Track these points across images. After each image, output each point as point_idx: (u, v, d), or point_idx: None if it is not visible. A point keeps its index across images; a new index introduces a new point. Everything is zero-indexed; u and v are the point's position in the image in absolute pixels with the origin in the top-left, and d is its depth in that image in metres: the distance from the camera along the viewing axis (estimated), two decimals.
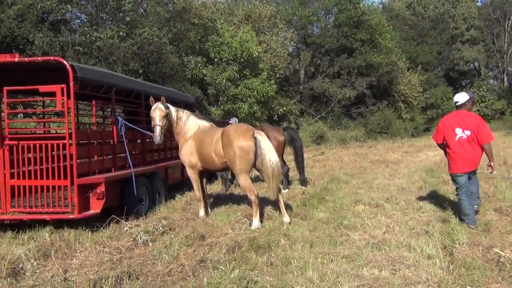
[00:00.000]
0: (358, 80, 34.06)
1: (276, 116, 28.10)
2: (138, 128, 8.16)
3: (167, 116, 7.41)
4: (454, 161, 6.87)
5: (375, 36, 34.87)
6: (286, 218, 7.03)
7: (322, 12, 36.20)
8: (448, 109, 47.47)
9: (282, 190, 8.04)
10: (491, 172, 7.05)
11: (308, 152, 21.86)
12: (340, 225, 6.85)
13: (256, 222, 6.83)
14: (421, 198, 8.85)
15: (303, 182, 10.87)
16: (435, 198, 8.80)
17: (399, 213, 7.64)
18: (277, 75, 27.80)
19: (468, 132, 6.72)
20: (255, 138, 6.83)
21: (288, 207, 7.70)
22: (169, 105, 7.62)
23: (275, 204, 7.84)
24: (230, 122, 10.63)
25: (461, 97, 7.07)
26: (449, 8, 55.97)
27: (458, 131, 6.78)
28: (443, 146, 7.10)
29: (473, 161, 6.82)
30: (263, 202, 7.97)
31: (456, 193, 7.07)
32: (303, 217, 7.52)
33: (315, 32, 36.23)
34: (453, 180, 7.06)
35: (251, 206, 7.10)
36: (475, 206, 7.03)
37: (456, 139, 6.79)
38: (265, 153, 6.79)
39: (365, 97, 35.63)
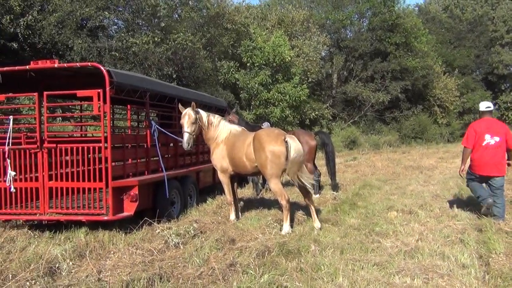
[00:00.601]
0: (392, 84, 33.55)
1: (308, 120, 27.99)
2: (169, 133, 8.26)
3: (197, 122, 7.50)
4: (480, 163, 7.31)
5: (410, 40, 34.30)
6: (317, 224, 6.99)
7: (356, 16, 35.89)
8: None
9: (313, 196, 7.99)
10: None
11: (340, 157, 21.66)
12: (372, 232, 6.75)
13: (286, 227, 6.82)
14: (456, 206, 8.60)
15: (335, 187, 10.79)
16: (471, 205, 8.55)
17: (433, 220, 7.46)
18: (310, 80, 27.70)
19: (497, 138, 7.15)
20: (286, 142, 6.83)
21: (319, 212, 7.66)
22: (200, 110, 7.71)
23: (306, 209, 7.81)
24: (262, 126, 10.67)
25: (489, 104, 7.48)
26: (488, 10, 54.38)
27: (487, 137, 7.20)
28: (468, 151, 7.46)
29: (496, 166, 7.22)
30: (293, 207, 7.95)
31: (466, 184, 7.78)
32: (334, 223, 7.45)
33: (348, 36, 35.95)
34: (492, 181, 7.34)
35: (282, 211, 7.09)
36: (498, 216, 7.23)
37: (484, 144, 7.23)
38: (291, 154, 6.76)
39: (399, 101, 35.05)
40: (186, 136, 7.43)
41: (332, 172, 10.73)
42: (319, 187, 10.58)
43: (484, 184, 7.55)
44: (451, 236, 6.36)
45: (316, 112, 28.63)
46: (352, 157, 21.70)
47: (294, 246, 5.92)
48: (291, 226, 7.03)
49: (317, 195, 9.95)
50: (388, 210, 8.42)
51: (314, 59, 28.14)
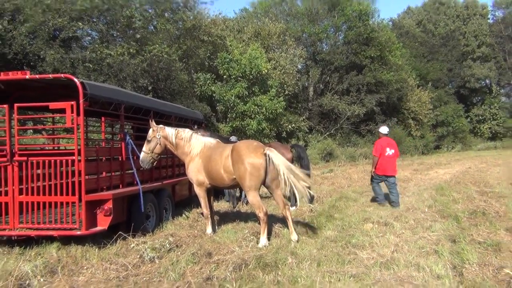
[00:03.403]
0: (368, 97, 34.01)
1: (284, 133, 28.08)
2: (135, 149, 8.11)
3: (157, 139, 7.56)
4: (386, 168, 10.57)
5: (384, 53, 34.93)
6: (294, 236, 6.97)
7: (332, 29, 36.37)
8: (458, 126, 47.34)
9: (290, 208, 7.99)
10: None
11: (317, 169, 21.79)
12: (348, 244, 6.77)
13: (264, 240, 6.78)
14: (430, 217, 8.73)
15: (310, 200, 10.79)
16: (445, 217, 8.69)
17: (408, 232, 7.54)
18: (286, 92, 27.86)
19: (393, 150, 10.65)
20: (266, 155, 6.82)
21: (297, 224, 7.63)
22: (165, 127, 7.68)
23: (283, 222, 7.80)
24: (230, 139, 10.70)
25: (387, 129, 11.12)
26: (459, 25, 56.06)
27: (388, 149, 10.58)
28: (377, 158, 10.66)
29: (392, 168, 10.68)
30: (271, 219, 7.92)
31: (390, 188, 10.61)
32: (310, 235, 7.46)
33: (324, 49, 36.37)
34: (387, 181, 10.66)
35: (259, 224, 7.05)
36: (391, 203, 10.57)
37: (386, 154, 10.56)
38: (280, 168, 6.76)
39: (375, 114, 35.54)
40: (141, 155, 7.48)
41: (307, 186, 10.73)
42: (295, 200, 10.56)
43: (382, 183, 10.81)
44: (426, 247, 6.43)
45: (293, 125, 28.77)
46: (329, 169, 21.83)
47: (271, 258, 5.88)
48: (269, 238, 6.99)
49: (294, 207, 9.94)
50: (364, 222, 8.47)
51: (291, 71, 28.34)
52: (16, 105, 6.67)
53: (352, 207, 10.37)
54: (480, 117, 54.90)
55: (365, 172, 19.35)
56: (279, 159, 6.87)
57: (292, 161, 10.25)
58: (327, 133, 33.74)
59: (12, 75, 6.65)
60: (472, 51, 55.07)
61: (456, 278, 5.16)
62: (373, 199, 11.30)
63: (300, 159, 10.56)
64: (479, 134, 54.88)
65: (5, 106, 6.81)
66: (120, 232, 6.83)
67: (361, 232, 7.58)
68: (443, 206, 9.91)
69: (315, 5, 35.22)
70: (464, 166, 23.31)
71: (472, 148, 48.64)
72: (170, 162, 10.01)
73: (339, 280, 5.11)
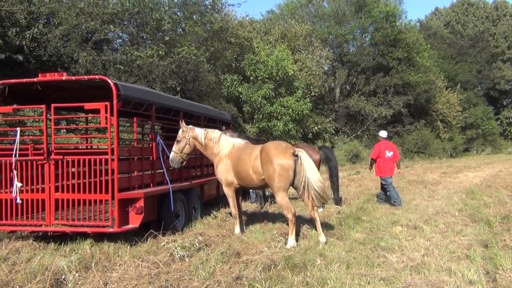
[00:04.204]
0: (395, 98, 33.65)
1: (310, 134, 28.00)
2: (165, 148, 8.24)
3: (186, 140, 7.66)
4: (384, 169, 11.19)
5: (412, 55, 34.50)
6: (322, 238, 6.97)
7: (358, 31, 36.14)
8: (488, 129, 46.29)
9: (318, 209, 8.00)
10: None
11: (343, 171, 21.62)
12: (377, 247, 6.74)
13: (292, 240, 6.81)
14: (461, 221, 8.60)
15: (338, 201, 10.77)
16: (476, 221, 8.54)
17: (439, 236, 7.45)
18: (312, 93, 27.77)
19: (391, 153, 11.25)
20: (296, 156, 6.86)
21: (324, 226, 7.64)
22: (195, 128, 7.79)
23: (311, 223, 7.81)
24: None
25: (386, 133, 11.94)
26: (489, 26, 54.85)
27: (387, 152, 11.18)
28: (374, 160, 11.42)
29: (391, 170, 11.23)
30: (299, 220, 7.94)
31: (386, 189, 11.20)
32: (339, 237, 7.45)
33: (351, 51, 36.14)
34: (384, 181, 11.25)
35: (286, 224, 7.09)
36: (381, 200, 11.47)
37: (386, 157, 11.15)
38: (308, 171, 6.79)
39: (402, 116, 35.11)
40: (171, 155, 7.59)
41: (335, 187, 10.74)
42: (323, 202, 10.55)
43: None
44: (457, 252, 6.35)
45: (319, 126, 28.66)
46: (355, 171, 21.67)
47: (299, 260, 5.91)
48: (296, 239, 7.02)
49: (321, 209, 9.93)
50: (393, 224, 8.40)
51: (317, 73, 28.25)
52: (53, 105, 6.89)
53: (380, 210, 10.29)
54: (511, 120, 53.50)
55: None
56: (308, 161, 6.90)
57: (320, 162, 10.26)
58: (353, 135, 33.49)
59: (50, 77, 6.87)
60: (502, 52, 53.78)
61: (489, 284, 5.08)
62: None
63: (328, 161, 10.54)
64: (509, 137, 53.51)
65: (42, 106, 7.03)
66: (151, 231, 6.97)
67: (390, 235, 7.53)
68: (474, 210, 9.74)
69: (342, 7, 35.03)
70: (495, 169, 22.79)
71: (502, 151, 47.51)
72: (199, 162, 10.13)
73: (368, 283, 5.10)
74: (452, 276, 5.30)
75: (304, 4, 37.18)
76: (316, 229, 7.25)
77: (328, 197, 7.86)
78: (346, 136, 32.98)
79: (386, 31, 33.30)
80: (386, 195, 11.39)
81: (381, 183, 11.53)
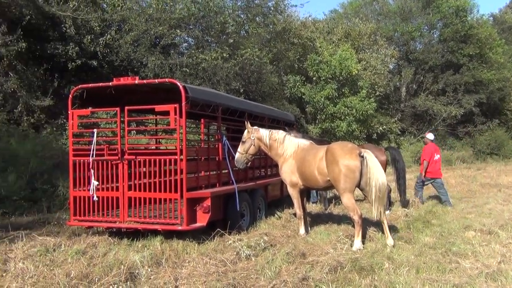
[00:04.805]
0: (465, 97, 32.09)
1: (375, 134, 27.33)
2: (231, 150, 8.37)
3: (251, 141, 7.72)
4: (435, 171, 11.35)
5: (484, 51, 32.71)
6: (390, 241, 6.81)
7: (426, 27, 34.82)
8: None
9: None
10: None
11: (410, 173, 20.87)
12: (449, 251, 6.49)
13: (358, 243, 6.71)
14: None
15: (405, 204, 10.46)
16: None
17: None
18: (377, 93, 27.09)
19: (439, 155, 11.53)
20: (362, 157, 6.75)
21: (391, 229, 7.45)
22: (260, 129, 7.84)
23: (378, 225, 7.65)
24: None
25: (433, 136, 12.06)
26: None
27: (436, 155, 11.40)
28: (427, 163, 11.33)
29: (439, 172, 11.58)
30: (365, 222, 7.79)
31: (438, 189, 11.47)
32: (407, 240, 7.24)
33: (418, 48, 34.89)
34: (436, 181, 11.44)
35: (352, 226, 6.99)
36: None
37: (435, 159, 11.37)
38: (373, 172, 6.67)
39: (473, 115, 33.40)
40: (236, 155, 7.68)
41: (402, 189, 10.45)
42: (389, 204, 10.31)
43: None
44: None
45: (384, 126, 27.91)
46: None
47: (367, 262, 5.81)
48: (363, 242, 6.90)
49: (388, 212, 9.69)
50: (465, 229, 8.05)
51: (382, 72, 27.54)
52: (126, 107, 7.25)
53: (451, 213, 9.88)
54: None
55: (463, 177, 18.32)
56: (375, 163, 6.77)
57: (386, 163, 10.01)
58: (420, 135, 32.29)
59: (124, 81, 7.24)
60: None
61: None
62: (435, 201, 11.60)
63: (395, 162, 10.27)
64: None
65: (117, 108, 7.41)
66: (218, 229, 7.14)
67: (462, 240, 7.22)
68: None
69: (408, 3, 33.94)
70: None
71: None
72: (263, 163, 10.22)
73: None
74: None
75: (369, 2, 36.38)
76: (383, 232, 7.09)
77: (388, 201, 7.67)
78: (412, 136, 31.89)
79: (456, 27, 31.84)
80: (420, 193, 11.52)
81: (417, 183, 11.71)
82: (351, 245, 6.77)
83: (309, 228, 8.00)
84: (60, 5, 14.57)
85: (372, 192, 6.72)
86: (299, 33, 25.02)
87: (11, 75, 13.62)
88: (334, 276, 5.36)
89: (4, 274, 5.36)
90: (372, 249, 6.65)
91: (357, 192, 7.73)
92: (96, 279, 5.15)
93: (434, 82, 33.34)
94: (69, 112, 7.51)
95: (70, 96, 7.55)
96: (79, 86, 7.63)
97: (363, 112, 23.84)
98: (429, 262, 5.89)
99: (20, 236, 7.01)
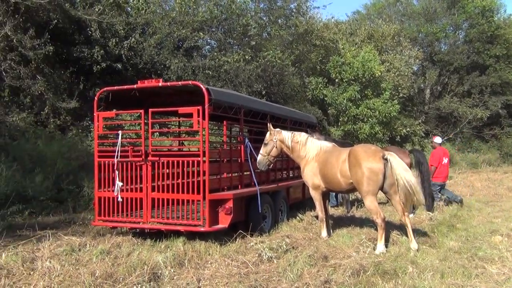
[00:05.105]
0: (492, 99, 31.46)
1: (398, 137, 26.99)
2: (254, 152, 8.38)
3: (274, 143, 7.71)
4: (442, 175, 11.35)
5: None
6: (414, 245, 6.72)
7: (451, 28, 34.27)
8: None
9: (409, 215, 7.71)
10: None
11: None
12: (475, 256, 6.38)
13: (381, 246, 6.64)
14: None
15: (429, 207, 10.29)
16: None
17: None
18: (401, 95, 26.78)
19: (447, 159, 11.42)
20: (386, 159, 6.69)
21: (415, 233, 7.35)
22: (282, 131, 7.84)
23: (401, 229, 7.56)
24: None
25: (441, 139, 12.09)
26: None
27: (444, 158, 11.29)
28: (435, 168, 11.17)
29: (447, 176, 11.73)
30: (388, 226, 7.70)
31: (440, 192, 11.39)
32: (431, 244, 7.14)
33: (442, 49, 34.37)
34: (441, 187, 11.47)
35: (375, 229, 6.93)
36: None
37: (443, 163, 11.28)
38: (399, 172, 6.60)
39: (500, 117, 32.71)
40: (258, 157, 7.71)
41: (427, 192, 10.26)
42: (413, 207, 10.16)
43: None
44: None
45: (408, 129, 27.53)
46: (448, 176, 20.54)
47: (390, 266, 5.76)
48: (386, 245, 6.83)
49: (412, 215, 9.55)
50: (492, 234, 7.88)
51: (406, 73, 27.21)
52: (150, 110, 7.34)
53: (477, 218, 9.69)
54: None
55: (489, 181, 17.97)
56: (399, 163, 6.70)
57: (410, 166, 9.87)
58: (445, 138, 31.76)
59: (148, 83, 7.34)
60: None
61: None
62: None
63: (419, 165, 10.10)
64: None
65: (141, 110, 7.51)
66: (239, 231, 7.16)
67: (488, 245, 7.09)
68: None
69: (433, 4, 33.45)
70: None
71: None
72: (285, 165, 10.21)
73: None
74: None
75: (392, 3, 36.02)
76: (406, 236, 7.00)
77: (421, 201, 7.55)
78: None
79: (483, 27, 31.27)
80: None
81: (434, 191, 11.10)
82: (374, 249, 6.70)
83: (331, 231, 7.96)
84: (86, 9, 14.84)
85: (402, 192, 6.65)
86: (322, 34, 24.93)
87: (39, 78, 13.91)
88: (357, 280, 5.32)
89: (32, 273, 5.48)
90: (396, 252, 6.57)
91: (380, 195, 7.65)
92: (121, 278, 5.23)
93: (459, 83, 32.79)
94: (94, 114, 7.63)
95: (95, 98, 7.69)
96: (105, 88, 7.76)
97: (386, 114, 23.59)
98: (454, 267, 5.80)
99: (47, 236, 7.17)
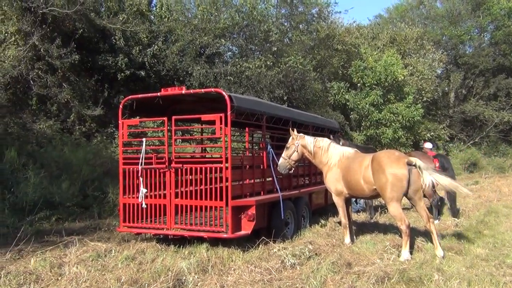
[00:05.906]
0: None
1: (422, 141, 26.62)
2: (276, 159, 8.37)
3: (295, 147, 7.72)
4: None
5: None
6: (440, 252, 6.60)
7: (476, 30, 33.72)
8: None
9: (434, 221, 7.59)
10: None
11: (460, 180, 20.18)
12: (503, 264, 6.24)
13: (406, 253, 6.55)
14: None
15: (455, 213, 10.12)
16: None
17: None
18: (424, 99, 26.43)
19: (437, 165, 10.03)
20: (410, 165, 6.61)
21: (440, 239, 7.23)
22: (305, 136, 7.83)
23: (426, 236, 7.45)
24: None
25: (432, 145, 11.81)
26: None
27: (435, 164, 10.02)
28: None
29: None
30: (412, 232, 7.59)
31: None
32: (457, 251, 7.00)
33: (467, 52, 33.83)
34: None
35: (399, 236, 6.84)
36: None
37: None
38: (425, 177, 6.54)
39: None
40: (279, 160, 7.72)
41: (452, 198, 10.13)
42: (438, 213, 10.01)
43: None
44: None
45: (432, 133, 27.14)
46: (474, 181, 20.17)
47: (415, 273, 5.68)
48: (411, 252, 6.73)
49: (437, 221, 9.41)
50: None
51: (429, 77, 26.84)
52: (173, 117, 7.43)
53: (505, 224, 9.47)
54: None
55: None
56: (426, 168, 6.62)
57: None
58: (470, 142, 31.21)
59: (171, 91, 7.43)
60: None
61: None
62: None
63: (444, 170, 9.94)
64: None
65: (164, 118, 7.60)
66: (262, 237, 7.16)
67: None
68: None
69: (457, 6, 32.97)
70: None
71: None
72: (307, 171, 10.17)
73: None
74: None
75: (415, 6, 35.68)
76: (432, 242, 6.89)
77: (437, 211, 7.44)
78: (462, 143, 30.84)
79: (509, 29, 30.71)
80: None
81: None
82: (399, 256, 6.62)
83: (354, 237, 7.89)
84: (111, 18, 15.17)
85: (421, 200, 6.60)
86: (343, 39, 24.86)
87: (65, 86, 14.26)
88: (381, 287, 5.26)
89: (59, 278, 5.60)
90: (421, 259, 6.47)
91: (404, 200, 7.56)
92: (146, 285, 5.30)
93: (485, 86, 32.21)
94: (119, 122, 7.76)
95: (120, 106, 7.82)
96: (129, 96, 7.89)
97: (410, 119, 23.33)
98: (481, 275, 5.68)
99: (74, 242, 7.33)
